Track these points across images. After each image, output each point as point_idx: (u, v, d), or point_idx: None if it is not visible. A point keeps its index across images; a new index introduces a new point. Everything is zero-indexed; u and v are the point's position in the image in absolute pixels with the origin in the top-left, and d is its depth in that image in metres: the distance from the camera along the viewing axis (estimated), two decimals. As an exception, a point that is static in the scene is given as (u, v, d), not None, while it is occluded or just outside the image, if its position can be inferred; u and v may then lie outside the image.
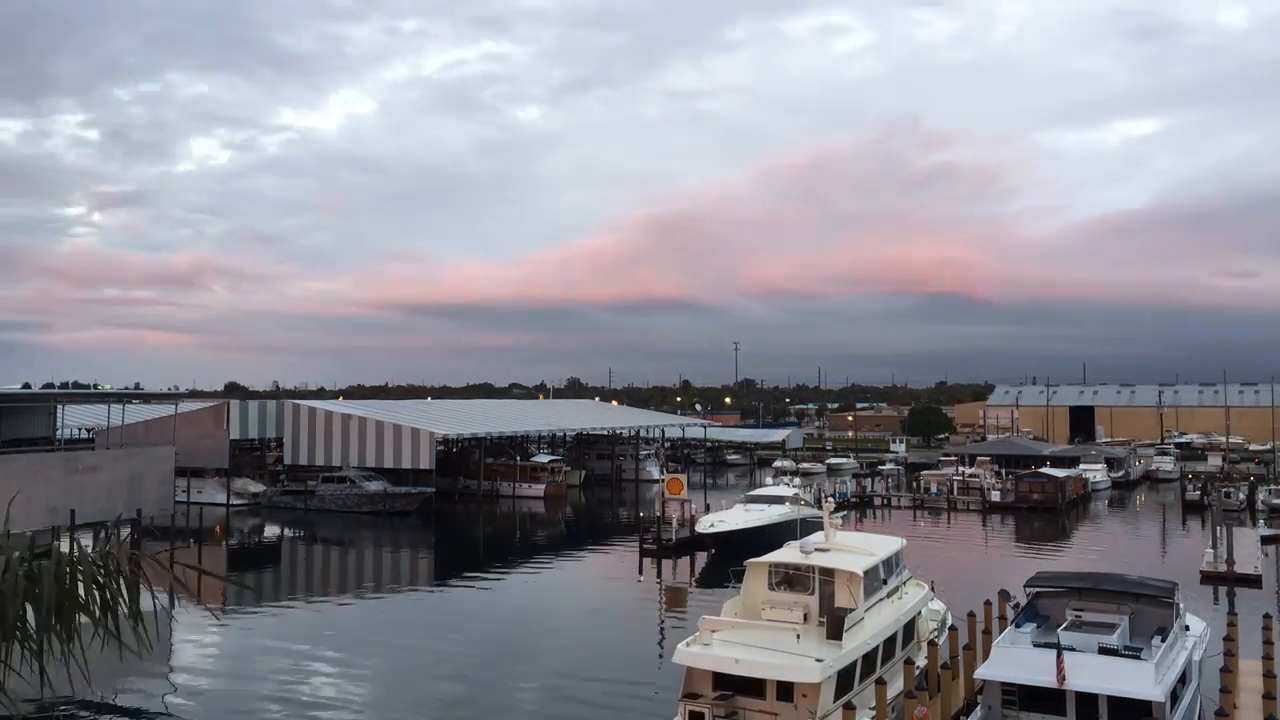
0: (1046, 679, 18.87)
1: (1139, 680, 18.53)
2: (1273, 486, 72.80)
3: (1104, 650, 19.89)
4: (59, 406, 66.54)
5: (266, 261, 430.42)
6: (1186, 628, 22.88)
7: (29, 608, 5.49)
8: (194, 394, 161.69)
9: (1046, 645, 20.08)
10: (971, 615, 26.85)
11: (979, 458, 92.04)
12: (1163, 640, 20.37)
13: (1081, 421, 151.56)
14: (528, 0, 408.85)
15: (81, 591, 5.65)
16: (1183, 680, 20.31)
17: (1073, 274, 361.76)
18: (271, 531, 65.38)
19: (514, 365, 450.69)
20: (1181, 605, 23.23)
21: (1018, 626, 22.43)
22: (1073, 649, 19.59)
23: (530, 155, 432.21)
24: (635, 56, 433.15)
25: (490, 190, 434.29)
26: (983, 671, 20.64)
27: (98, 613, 5.64)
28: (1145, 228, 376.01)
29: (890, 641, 23.82)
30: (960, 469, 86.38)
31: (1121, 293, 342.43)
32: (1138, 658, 19.44)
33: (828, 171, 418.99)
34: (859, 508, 71.80)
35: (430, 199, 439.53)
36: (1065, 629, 21.63)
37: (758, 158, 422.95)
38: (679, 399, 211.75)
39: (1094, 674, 18.84)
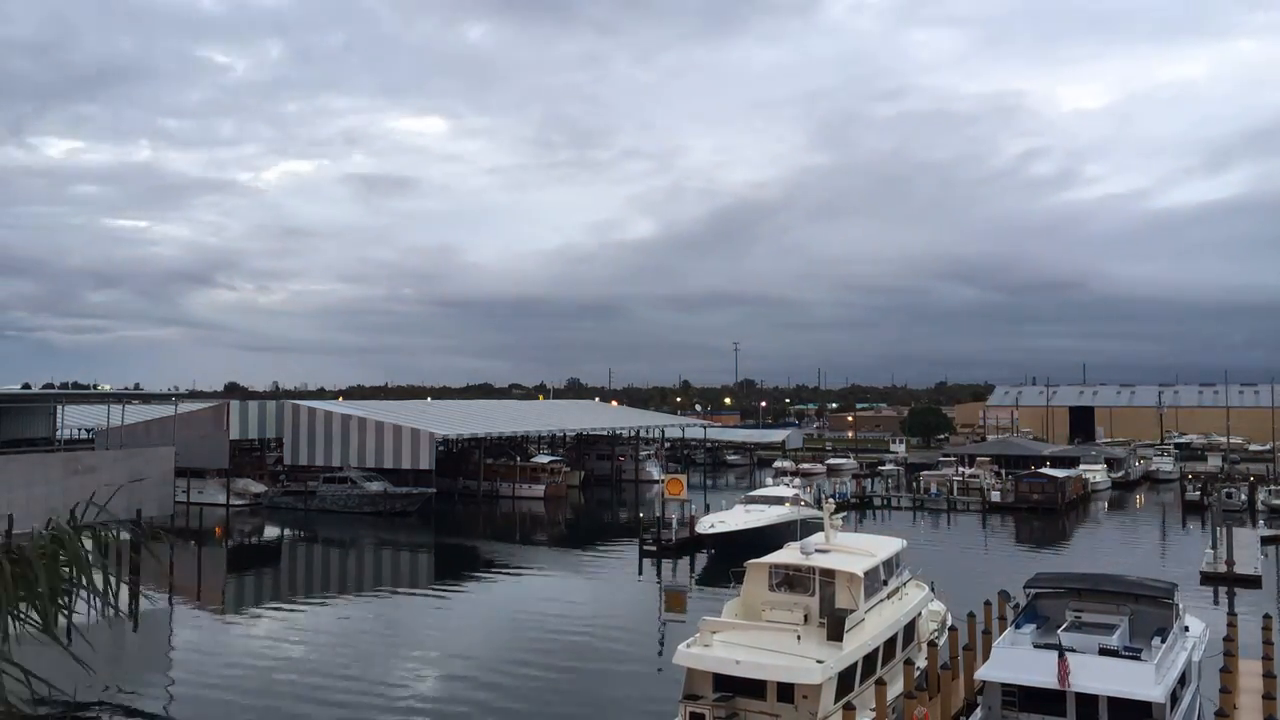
0: (1047, 680, 18.89)
1: (1139, 681, 18.55)
2: (1273, 487, 72.90)
3: (1104, 651, 19.91)
4: (59, 406, 66.69)
5: (269, 260, 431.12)
6: (1186, 628, 22.89)
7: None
8: (194, 394, 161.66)
9: (1047, 646, 20.10)
10: (971, 616, 26.87)
11: (979, 458, 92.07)
12: (1162, 641, 20.39)
13: (1081, 422, 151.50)
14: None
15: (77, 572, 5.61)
16: (1183, 681, 20.33)
17: (1140, 268, 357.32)
18: (272, 532, 65.39)
19: (514, 365, 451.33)
20: (1181, 606, 23.24)
21: (1018, 627, 22.46)
22: (1073, 650, 19.60)
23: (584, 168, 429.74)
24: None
25: (513, 198, 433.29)
26: (983, 672, 20.67)
27: (98, 589, 5.60)
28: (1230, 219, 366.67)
29: (891, 642, 23.84)
30: (960, 469, 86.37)
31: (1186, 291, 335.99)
32: (1138, 659, 19.46)
33: (909, 161, 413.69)
34: (859, 508, 71.77)
35: (459, 212, 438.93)
36: (1065, 630, 21.64)
37: (834, 148, 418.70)
38: (679, 399, 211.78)
39: (1094, 675, 18.86)
